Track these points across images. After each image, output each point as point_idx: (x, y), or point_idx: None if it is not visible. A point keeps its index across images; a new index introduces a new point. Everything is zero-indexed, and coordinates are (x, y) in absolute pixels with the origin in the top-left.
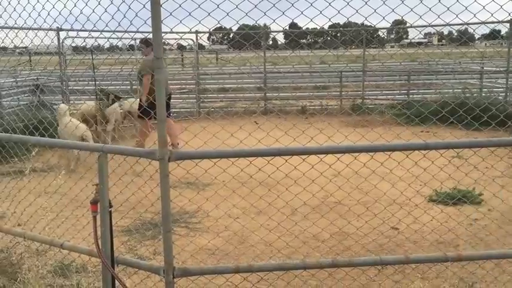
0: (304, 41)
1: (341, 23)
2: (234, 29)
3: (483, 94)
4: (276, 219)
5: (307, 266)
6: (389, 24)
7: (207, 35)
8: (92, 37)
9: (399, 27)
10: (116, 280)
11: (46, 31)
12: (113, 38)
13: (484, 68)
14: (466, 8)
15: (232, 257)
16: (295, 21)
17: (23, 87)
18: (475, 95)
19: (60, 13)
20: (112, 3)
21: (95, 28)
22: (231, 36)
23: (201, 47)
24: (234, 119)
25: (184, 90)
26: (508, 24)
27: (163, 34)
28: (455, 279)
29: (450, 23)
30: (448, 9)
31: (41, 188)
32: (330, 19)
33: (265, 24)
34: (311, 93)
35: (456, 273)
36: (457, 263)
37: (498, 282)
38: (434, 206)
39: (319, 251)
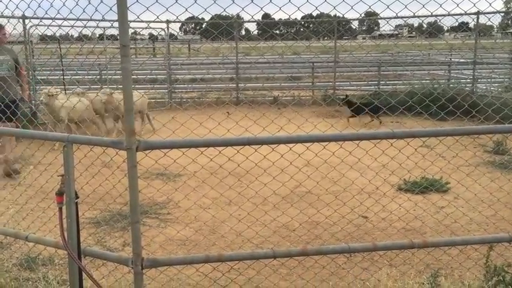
0: (277, 31)
1: (314, 15)
2: (206, 19)
3: (451, 85)
4: (246, 209)
5: (277, 255)
6: (359, 15)
7: (179, 24)
8: (57, 25)
9: (370, 19)
10: (83, 272)
11: (8, 18)
12: (78, 27)
13: (452, 59)
14: None
15: (202, 247)
16: (265, 10)
17: None
18: (442, 86)
19: None
20: None
21: (59, 15)
22: (203, 26)
23: (172, 36)
24: (206, 109)
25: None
26: (475, 17)
27: (134, 23)
28: (421, 265)
29: (418, 13)
30: None
31: (4, 180)
32: (298, 8)
33: (238, 15)
34: (283, 84)
35: (422, 259)
36: (423, 249)
37: (463, 268)
38: (402, 194)
39: (289, 240)
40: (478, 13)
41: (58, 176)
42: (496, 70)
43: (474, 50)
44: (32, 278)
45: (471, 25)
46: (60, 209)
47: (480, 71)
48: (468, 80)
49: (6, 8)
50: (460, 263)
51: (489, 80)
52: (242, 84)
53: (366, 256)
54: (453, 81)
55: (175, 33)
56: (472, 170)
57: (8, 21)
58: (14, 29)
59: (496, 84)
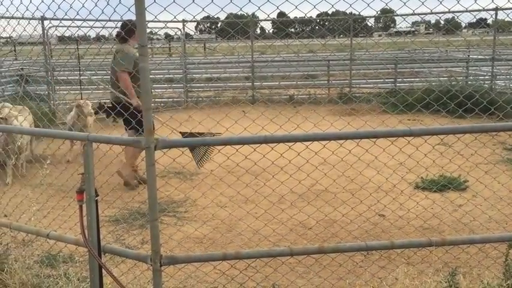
0: (292, 30)
1: (329, 12)
2: (221, 18)
3: (469, 82)
4: (263, 207)
5: (294, 252)
6: (375, 12)
7: (195, 24)
8: (76, 26)
9: (386, 16)
10: (103, 269)
11: (28, 20)
12: (97, 27)
13: (470, 56)
14: None
15: (219, 245)
16: (281, 8)
17: (7, 77)
18: (460, 83)
19: (42, 1)
20: None
21: (78, 16)
22: (219, 25)
23: (188, 35)
24: (222, 108)
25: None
26: (493, 13)
27: (151, 23)
28: (439, 263)
29: (435, 10)
30: None
31: (26, 178)
32: (314, 6)
33: (253, 14)
34: (299, 82)
35: (440, 258)
36: (441, 248)
37: (482, 266)
38: (419, 192)
39: (306, 237)
40: (496, 9)
41: (78, 174)
42: None
43: (493, 47)
44: (53, 274)
45: (489, 21)
46: (81, 207)
47: (499, 67)
48: (487, 77)
49: (27, 9)
50: (478, 261)
51: (508, 76)
52: (258, 83)
53: (383, 254)
54: (471, 78)
55: (192, 33)
56: (491, 167)
57: (29, 22)
58: (34, 30)
59: None
